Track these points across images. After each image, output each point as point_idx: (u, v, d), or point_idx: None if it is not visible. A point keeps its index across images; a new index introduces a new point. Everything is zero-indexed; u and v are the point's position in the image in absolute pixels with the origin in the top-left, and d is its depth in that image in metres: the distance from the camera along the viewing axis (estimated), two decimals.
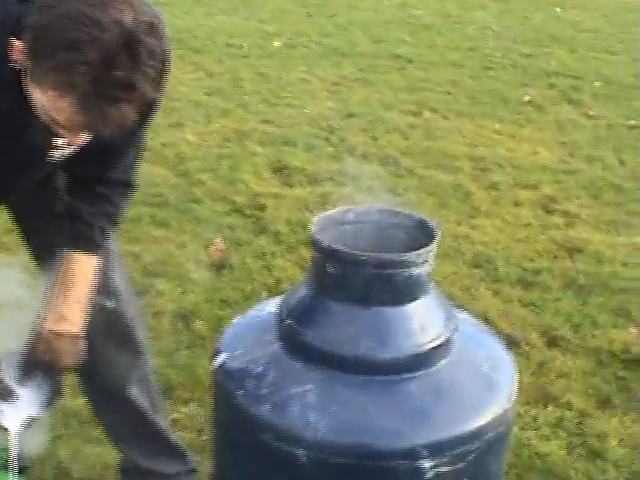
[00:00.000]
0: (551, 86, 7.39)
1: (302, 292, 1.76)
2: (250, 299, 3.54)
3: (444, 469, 1.60)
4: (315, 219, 1.76)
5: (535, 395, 3.10)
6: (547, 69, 7.94)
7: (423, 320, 1.70)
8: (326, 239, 1.69)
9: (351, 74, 7.45)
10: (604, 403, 3.08)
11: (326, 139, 5.63)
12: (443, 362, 1.70)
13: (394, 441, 1.58)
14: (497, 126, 6.24)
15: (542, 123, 6.38)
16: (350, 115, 6.22)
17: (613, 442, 2.86)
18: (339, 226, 1.81)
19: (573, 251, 4.23)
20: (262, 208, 4.52)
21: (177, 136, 5.53)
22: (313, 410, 1.60)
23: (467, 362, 1.75)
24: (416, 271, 1.67)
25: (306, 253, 4.00)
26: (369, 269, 1.64)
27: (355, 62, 7.88)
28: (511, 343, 3.39)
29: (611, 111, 6.71)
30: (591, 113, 6.65)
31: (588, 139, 6.03)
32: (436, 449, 1.59)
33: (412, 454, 1.58)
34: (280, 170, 5.08)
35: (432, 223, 1.77)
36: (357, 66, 7.74)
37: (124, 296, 2.19)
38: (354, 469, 1.60)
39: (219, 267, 3.92)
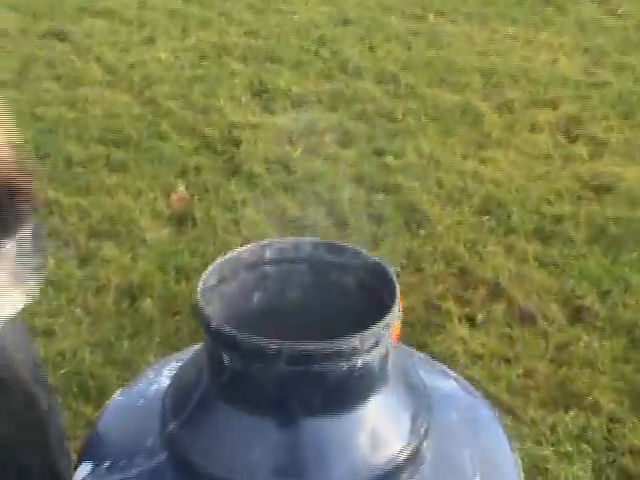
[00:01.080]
0: None
1: (193, 381, 1.15)
2: None
3: None
4: (210, 268, 1.15)
5: (554, 393, 2.53)
6: None
7: (376, 430, 1.10)
8: (220, 310, 1.09)
9: None
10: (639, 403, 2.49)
11: (316, 53, 4.93)
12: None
13: None
14: (511, 30, 5.50)
15: (562, 25, 5.61)
16: (345, 21, 5.49)
17: None
18: (251, 271, 1.20)
19: (601, 190, 3.58)
20: (237, 143, 3.88)
21: (148, 54, 4.85)
22: None
23: (448, 475, 1.15)
24: (361, 362, 1.06)
25: (286, 201, 3.40)
26: (284, 365, 1.03)
27: None
28: (526, 319, 2.80)
29: None
30: (619, 11, 5.86)
31: (616, 43, 5.27)
32: None
33: None
34: (261, 93, 4.41)
35: (390, 270, 1.16)
36: None
37: None
38: None
39: (179, 221, 3.31)
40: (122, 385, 1.33)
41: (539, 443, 2.34)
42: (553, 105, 4.42)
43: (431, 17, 5.62)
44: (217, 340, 1.06)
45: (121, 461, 1.17)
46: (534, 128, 4.15)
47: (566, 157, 3.86)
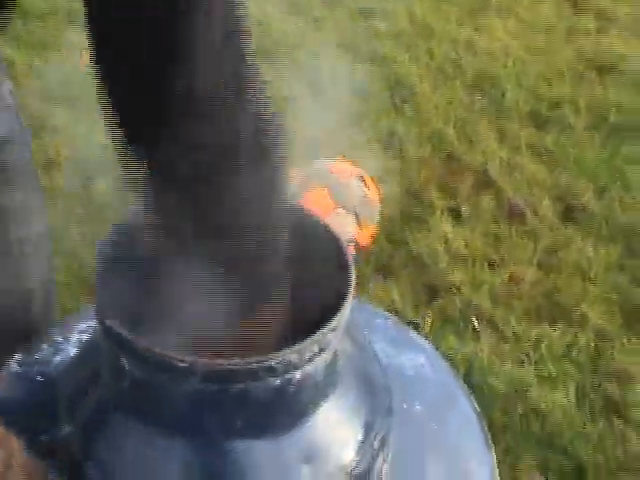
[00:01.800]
0: None
1: (93, 373, 0.92)
2: None
3: None
4: (117, 223, 0.92)
5: (540, 303, 2.33)
6: None
7: (318, 451, 0.88)
8: (127, 287, 0.86)
9: None
10: (632, 320, 2.29)
11: None
12: None
13: None
14: None
15: None
16: None
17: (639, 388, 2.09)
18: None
19: (604, 70, 3.29)
20: None
21: None
22: None
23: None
24: (300, 375, 0.83)
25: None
26: (198, 383, 0.80)
27: None
28: (515, 215, 2.58)
29: None
30: None
31: None
32: None
33: None
34: None
35: (346, 252, 0.91)
36: None
37: None
38: None
39: None
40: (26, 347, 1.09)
41: (521, 363, 2.15)
42: None
43: None
44: (112, 342, 0.82)
45: None
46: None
47: (570, 30, 3.55)
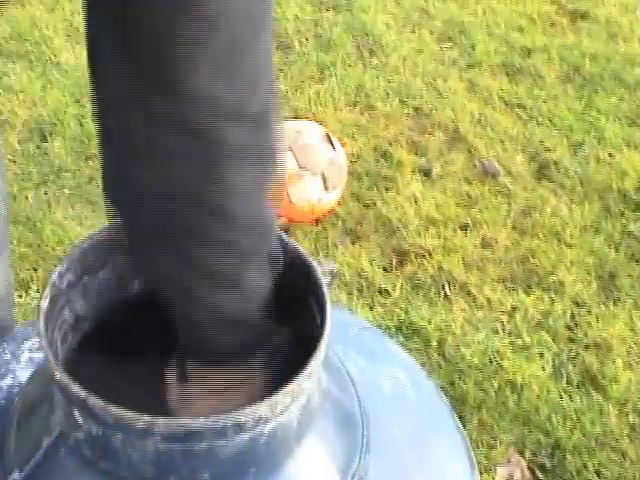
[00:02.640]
0: None
1: (45, 414, 0.83)
2: None
3: None
4: (65, 260, 0.83)
5: (515, 269, 2.26)
6: None
7: None
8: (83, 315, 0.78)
9: None
10: (608, 284, 2.23)
11: None
12: None
13: None
14: None
15: None
16: None
17: (618, 360, 2.03)
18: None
19: (577, 16, 3.19)
20: None
21: None
22: None
23: None
24: (271, 426, 0.75)
25: None
26: (159, 442, 0.72)
27: None
28: (487, 174, 2.49)
29: None
30: None
31: None
32: None
33: None
34: None
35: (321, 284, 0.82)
36: None
37: None
38: None
39: None
40: None
41: (495, 332, 2.08)
42: None
43: None
44: (64, 396, 0.73)
45: None
46: None
47: None
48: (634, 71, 2.90)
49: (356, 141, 2.59)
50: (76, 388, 0.71)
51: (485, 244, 2.31)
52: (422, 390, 1.04)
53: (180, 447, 0.72)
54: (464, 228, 2.35)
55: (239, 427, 0.71)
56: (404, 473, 0.93)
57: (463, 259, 2.26)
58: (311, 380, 0.76)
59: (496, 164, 2.54)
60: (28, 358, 0.99)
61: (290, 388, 0.73)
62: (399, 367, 1.05)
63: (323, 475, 0.82)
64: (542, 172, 2.54)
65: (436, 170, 2.52)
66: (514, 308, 2.14)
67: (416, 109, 2.73)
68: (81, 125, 2.53)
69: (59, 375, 0.72)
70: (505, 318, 2.12)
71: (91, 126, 2.52)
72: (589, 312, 2.14)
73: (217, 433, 0.71)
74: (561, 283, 2.20)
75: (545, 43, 3.01)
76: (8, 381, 0.97)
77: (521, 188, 2.48)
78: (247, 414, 0.71)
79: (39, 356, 0.96)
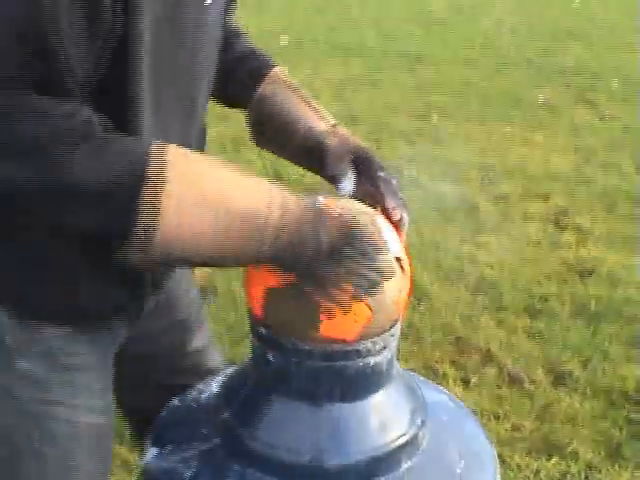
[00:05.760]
0: (566, 86, 7.08)
1: (243, 379, 1.49)
2: (234, 330, 3.30)
3: None
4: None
5: (538, 444, 2.84)
6: (563, 67, 7.61)
7: (383, 417, 1.43)
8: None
9: (358, 73, 7.16)
10: (614, 453, 2.80)
11: None
12: (407, 465, 1.43)
13: None
14: (509, 129, 5.95)
15: (556, 126, 6.08)
16: (354, 119, 5.93)
17: None
18: None
19: (584, 273, 3.94)
20: None
21: None
22: None
23: (437, 463, 1.48)
24: (373, 361, 1.40)
25: None
26: (314, 361, 1.37)
27: (363, 60, 7.59)
28: (514, 381, 3.13)
29: (629, 113, 6.37)
30: (607, 115, 6.33)
31: (604, 144, 5.73)
32: None
33: None
34: (276, 180, 4.80)
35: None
36: (365, 65, 7.45)
37: None
38: None
39: (202, 291, 3.66)
40: None
41: None
42: (544, 198, 4.81)
43: (435, 117, 6.06)
44: (264, 341, 1.40)
45: (181, 445, 1.50)
46: (526, 217, 4.53)
47: (554, 244, 4.23)
48: (633, 309, 3.59)
49: (408, 362, 3.26)
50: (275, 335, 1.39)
51: (514, 428, 2.92)
52: (459, 407, 1.68)
53: (326, 364, 1.37)
54: (497, 418, 2.97)
55: (358, 353, 1.37)
56: (447, 435, 1.55)
57: (496, 438, 2.86)
58: (392, 339, 1.42)
59: (521, 373, 3.18)
60: (216, 386, 1.64)
61: (382, 336, 1.39)
62: (445, 395, 1.69)
63: (400, 407, 1.45)
64: (558, 380, 3.17)
65: (473, 380, 3.17)
66: (538, 470, 2.72)
67: (456, 339, 3.41)
68: None
69: (264, 330, 1.40)
70: (531, 476, 2.69)
71: None
72: (599, 472, 2.71)
73: (346, 355, 1.37)
74: (576, 452, 2.78)
75: (559, 292, 3.73)
76: (205, 395, 1.62)
77: (541, 391, 3.10)
78: (360, 345, 1.37)
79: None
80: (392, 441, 1.41)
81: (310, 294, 1.30)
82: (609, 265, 4.00)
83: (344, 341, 1.37)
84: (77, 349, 1.35)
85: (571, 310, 3.62)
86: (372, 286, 1.27)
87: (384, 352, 1.41)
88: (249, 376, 1.48)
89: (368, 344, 1.38)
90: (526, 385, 3.14)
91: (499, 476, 1.55)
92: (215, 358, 1.85)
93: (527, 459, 2.76)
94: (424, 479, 1.44)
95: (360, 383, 1.41)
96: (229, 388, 1.53)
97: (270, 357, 1.41)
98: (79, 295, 1.31)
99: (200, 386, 1.69)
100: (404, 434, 1.43)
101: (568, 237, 4.30)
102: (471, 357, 3.30)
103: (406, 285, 1.43)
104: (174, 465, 1.47)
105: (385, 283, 1.34)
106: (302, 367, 1.39)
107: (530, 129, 5.99)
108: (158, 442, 1.54)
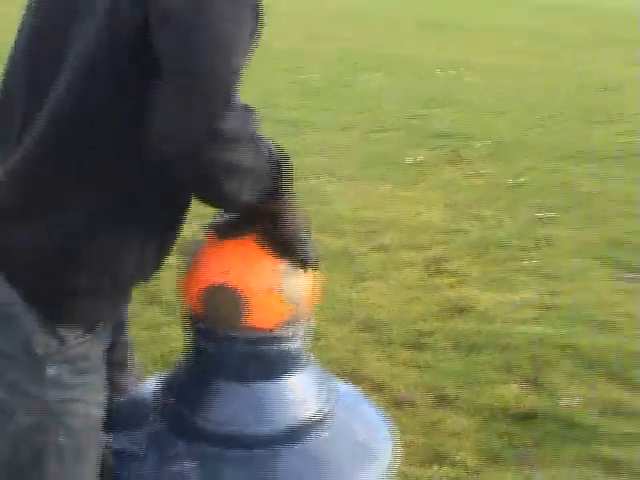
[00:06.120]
0: (440, 147, 7.58)
1: (183, 372, 1.79)
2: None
3: None
4: None
5: (429, 455, 3.16)
6: (436, 130, 8.13)
7: (300, 395, 1.74)
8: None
9: None
10: (495, 459, 3.15)
11: None
12: (321, 435, 1.74)
13: None
14: (388, 187, 6.37)
15: (431, 183, 6.54)
16: None
17: None
18: None
19: (462, 310, 4.33)
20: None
21: None
22: None
23: (345, 434, 1.79)
24: (290, 347, 1.71)
25: None
26: (242, 346, 1.68)
27: None
28: (403, 405, 3.45)
29: (497, 170, 6.90)
30: (478, 172, 6.83)
31: (474, 198, 6.20)
32: None
33: None
34: None
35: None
36: None
37: None
38: None
39: None
40: None
41: None
42: (422, 248, 5.22)
43: (312, 180, 6.39)
44: (201, 335, 1.70)
45: (132, 429, 1.78)
46: (407, 265, 4.92)
47: (434, 286, 4.63)
48: (504, 339, 3.99)
49: None
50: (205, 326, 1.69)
51: (406, 445, 3.19)
52: (363, 397, 1.99)
53: (249, 349, 1.67)
54: None
55: (278, 339, 1.68)
56: (353, 418, 1.86)
57: None
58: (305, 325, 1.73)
59: (409, 397, 3.51)
60: (155, 384, 1.92)
61: (295, 327, 1.70)
62: (358, 395, 2.01)
63: (315, 389, 1.76)
64: (443, 402, 3.51)
65: None
66: (430, 477, 3.04)
67: (351, 370, 3.74)
68: None
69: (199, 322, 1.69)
70: None
71: None
72: (483, 475, 3.05)
73: (268, 340, 1.67)
74: (462, 460, 3.12)
75: (440, 327, 4.11)
76: (147, 390, 1.90)
77: (428, 412, 3.44)
78: (280, 332, 1.68)
79: None
80: (309, 415, 1.73)
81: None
82: (483, 303, 4.40)
83: (267, 330, 1.68)
84: (90, 354, 1.61)
85: (451, 343, 3.99)
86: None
87: (299, 340, 1.73)
88: (188, 368, 1.77)
89: (286, 332, 1.69)
90: (414, 408, 3.46)
91: (396, 443, 1.87)
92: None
93: (422, 469, 3.07)
94: (335, 446, 1.76)
95: (280, 365, 1.73)
96: (171, 380, 1.82)
97: (206, 347, 1.71)
98: (105, 306, 1.62)
99: (145, 382, 1.96)
100: (319, 410, 1.75)
101: (446, 280, 4.70)
102: (362, 386, 3.61)
103: (314, 290, 1.76)
104: (128, 445, 1.75)
105: (301, 285, 1.68)
106: (233, 352, 1.70)
107: (407, 187, 6.42)
108: (112, 428, 1.80)
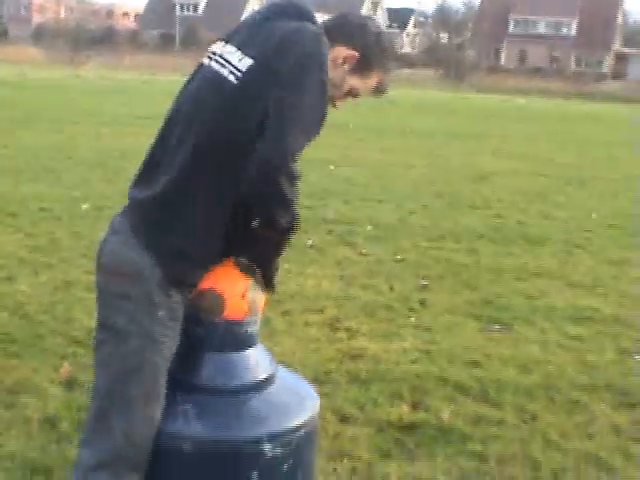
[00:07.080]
0: (330, 232, 8.63)
1: (182, 345, 2.67)
2: None
3: (278, 451, 2.54)
4: None
5: (334, 454, 4.05)
6: (325, 218, 9.20)
7: (258, 360, 2.66)
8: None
9: None
10: (386, 456, 4.06)
11: None
12: (272, 387, 2.65)
13: (246, 433, 2.52)
14: (287, 266, 7.31)
15: (324, 262, 7.54)
16: None
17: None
18: None
19: (356, 356, 5.27)
20: None
21: (12, 287, 6.29)
22: (193, 419, 2.52)
23: (287, 388, 2.72)
24: (250, 329, 2.64)
25: None
26: (221, 328, 2.59)
27: None
28: None
29: (380, 249, 7.99)
30: (364, 251, 7.90)
31: (363, 272, 7.23)
32: (272, 437, 2.54)
33: (258, 441, 2.52)
34: None
35: None
36: None
37: None
38: (222, 456, 2.52)
39: (70, 384, 4.67)
40: None
41: (327, 478, 3.85)
42: (320, 311, 6.17)
43: None
44: (192, 321, 2.62)
45: None
46: (308, 325, 5.86)
47: (332, 339, 5.57)
48: (392, 375, 4.94)
49: None
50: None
51: None
52: (301, 378, 2.92)
53: (229, 329, 2.59)
54: None
55: (245, 324, 2.61)
56: (291, 376, 2.79)
57: None
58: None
59: None
60: None
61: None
62: (289, 369, 2.94)
63: (263, 358, 2.69)
64: (344, 420, 4.42)
65: None
66: (335, 468, 3.93)
67: None
68: (74, 416, 4.26)
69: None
70: (332, 471, 3.90)
71: (81, 421, 4.25)
72: (378, 467, 3.95)
73: (241, 325, 2.60)
74: (351, 455, 4.02)
75: (338, 368, 5.04)
76: None
77: (332, 427, 4.34)
78: (248, 320, 2.61)
79: None
80: (265, 374, 2.65)
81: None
82: (374, 350, 5.36)
83: (237, 318, 2.61)
84: (180, 309, 2.55)
85: (348, 378, 4.91)
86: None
87: (255, 326, 2.66)
88: (185, 343, 2.67)
89: (249, 321, 2.62)
90: (322, 423, 4.35)
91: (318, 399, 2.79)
92: None
93: (330, 463, 3.96)
94: (281, 395, 2.67)
95: (245, 341, 2.65)
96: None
97: (196, 329, 2.62)
98: (196, 281, 2.58)
99: None
100: (270, 371, 2.67)
101: (342, 335, 5.65)
102: None
103: (265, 299, 2.69)
104: None
105: (259, 295, 2.62)
106: (215, 333, 2.61)
107: (304, 265, 7.40)
108: None
